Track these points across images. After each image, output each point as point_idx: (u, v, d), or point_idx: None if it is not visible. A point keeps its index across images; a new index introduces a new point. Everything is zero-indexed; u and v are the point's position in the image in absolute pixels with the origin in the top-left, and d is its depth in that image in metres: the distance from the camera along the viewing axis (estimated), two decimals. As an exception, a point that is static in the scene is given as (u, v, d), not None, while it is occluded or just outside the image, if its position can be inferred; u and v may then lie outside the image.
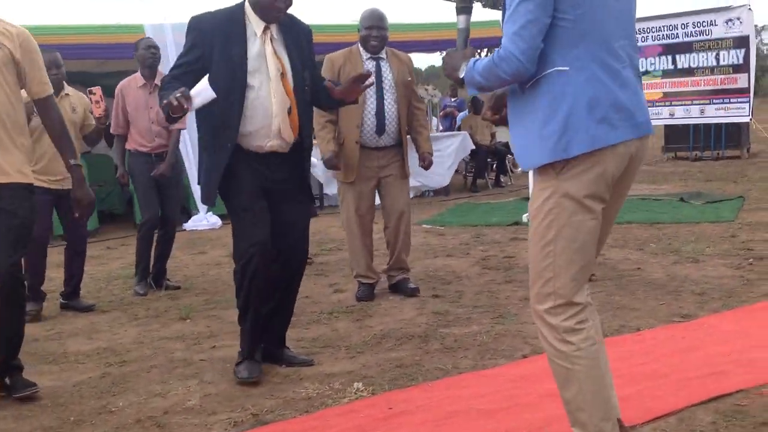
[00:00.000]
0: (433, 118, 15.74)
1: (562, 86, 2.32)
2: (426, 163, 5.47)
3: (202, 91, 3.35)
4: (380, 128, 5.17)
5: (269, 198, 3.73)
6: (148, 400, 3.51)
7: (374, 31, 5.20)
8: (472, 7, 2.64)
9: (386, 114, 5.17)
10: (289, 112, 3.66)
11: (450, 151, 12.22)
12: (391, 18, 5.51)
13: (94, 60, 9.66)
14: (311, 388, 3.54)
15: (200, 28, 3.63)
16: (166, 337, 4.58)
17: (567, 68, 2.32)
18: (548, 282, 2.39)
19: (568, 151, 2.30)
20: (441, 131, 14.54)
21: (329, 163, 5.17)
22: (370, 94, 5.14)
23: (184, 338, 4.53)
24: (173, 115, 3.37)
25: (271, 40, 3.66)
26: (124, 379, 3.82)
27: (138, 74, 5.90)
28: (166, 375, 3.87)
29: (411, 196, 11.62)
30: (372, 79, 4.11)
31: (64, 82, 5.32)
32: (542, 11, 2.28)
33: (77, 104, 5.35)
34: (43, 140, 5.10)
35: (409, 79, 5.34)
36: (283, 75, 3.65)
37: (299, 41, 3.79)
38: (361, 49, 5.26)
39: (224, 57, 3.56)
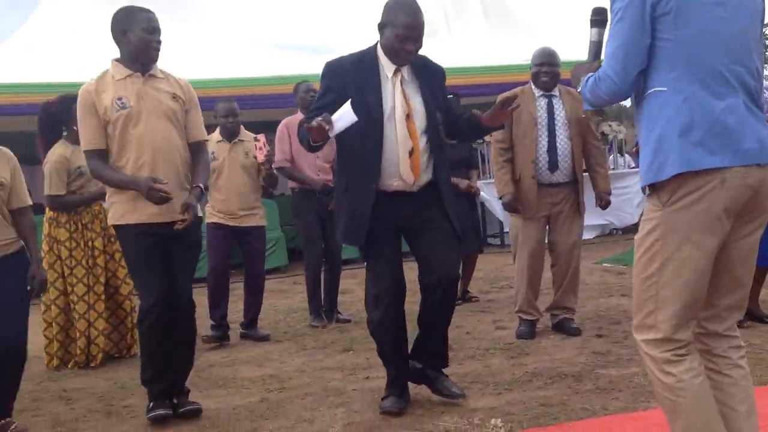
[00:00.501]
0: (623, 155, 15.27)
1: (659, 108, 2.28)
2: (603, 203, 5.38)
3: (344, 115, 3.34)
4: (553, 165, 5.15)
5: (406, 235, 3.79)
6: (295, 425, 3.68)
7: (545, 68, 5.22)
8: (606, 20, 2.62)
9: (558, 150, 5.15)
10: (411, 153, 3.63)
11: (638, 188, 11.80)
12: (564, 56, 5.51)
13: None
14: (450, 422, 3.57)
15: (334, 73, 3.69)
16: (326, 367, 4.77)
17: (665, 89, 2.27)
18: (650, 314, 2.34)
19: (660, 174, 2.24)
20: (633, 168, 14.08)
21: (508, 207, 5.23)
22: (543, 131, 5.15)
23: (343, 369, 4.70)
24: (314, 142, 3.45)
25: (401, 82, 3.68)
26: (279, 405, 4.03)
27: (299, 113, 6.21)
28: (318, 402, 4.03)
29: (597, 234, 11.46)
30: (518, 101, 4.06)
31: (241, 127, 5.76)
32: (638, 32, 2.26)
33: (250, 149, 5.74)
34: (219, 180, 5.54)
35: (583, 116, 5.28)
36: (408, 117, 3.65)
37: (432, 82, 3.80)
38: (533, 87, 5.29)
39: (360, 101, 3.55)
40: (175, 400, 3.92)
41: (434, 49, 11.15)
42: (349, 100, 3.40)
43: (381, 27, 3.65)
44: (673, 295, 2.28)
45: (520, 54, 11.68)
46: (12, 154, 3.89)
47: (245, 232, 5.67)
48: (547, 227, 5.31)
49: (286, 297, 7.84)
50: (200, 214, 3.93)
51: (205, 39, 11.07)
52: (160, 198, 3.64)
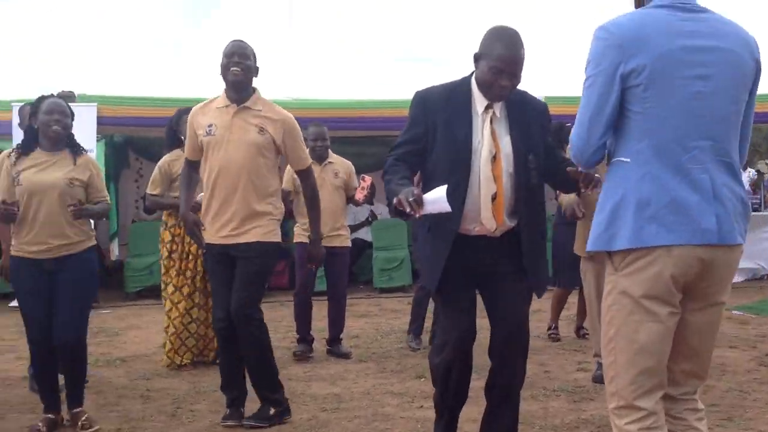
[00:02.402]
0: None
1: (619, 178, 2.26)
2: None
3: (438, 201, 2.99)
4: None
5: (483, 283, 3.46)
6: (326, 446, 3.86)
7: None
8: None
9: None
10: (494, 198, 3.31)
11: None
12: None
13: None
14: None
15: (425, 105, 3.40)
16: (391, 392, 4.90)
17: (628, 160, 2.25)
18: (612, 381, 2.33)
19: (611, 244, 2.23)
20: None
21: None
22: None
23: (405, 395, 4.80)
24: (399, 214, 3.17)
25: (491, 120, 3.34)
26: (323, 425, 4.20)
27: None
28: (360, 426, 4.17)
29: (745, 278, 10.78)
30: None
31: (329, 151, 6.05)
32: (605, 101, 2.25)
33: (340, 170, 6.03)
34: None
35: None
36: (495, 158, 3.31)
37: (527, 120, 3.41)
38: None
39: (448, 136, 3.33)
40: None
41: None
42: (445, 187, 3.01)
43: (476, 59, 3.34)
44: (629, 361, 2.28)
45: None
46: (95, 161, 4.52)
47: (331, 253, 5.90)
48: None
49: (396, 317, 8.01)
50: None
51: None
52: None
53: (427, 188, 3.19)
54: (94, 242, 4.40)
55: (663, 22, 2.23)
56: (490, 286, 3.45)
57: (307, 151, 6.05)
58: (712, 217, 2.21)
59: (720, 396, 4.72)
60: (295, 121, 4.37)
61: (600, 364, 5.13)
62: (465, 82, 3.42)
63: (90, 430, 4.09)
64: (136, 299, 9.40)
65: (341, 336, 6.23)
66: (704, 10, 2.30)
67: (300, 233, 6.05)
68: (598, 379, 5.08)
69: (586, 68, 2.33)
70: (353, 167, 6.18)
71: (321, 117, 7.86)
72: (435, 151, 3.36)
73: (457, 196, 3.24)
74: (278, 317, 7.48)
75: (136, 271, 9.55)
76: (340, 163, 6.13)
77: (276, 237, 4.25)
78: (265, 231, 4.19)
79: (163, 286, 5.71)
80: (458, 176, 3.29)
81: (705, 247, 2.22)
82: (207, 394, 4.85)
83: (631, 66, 2.21)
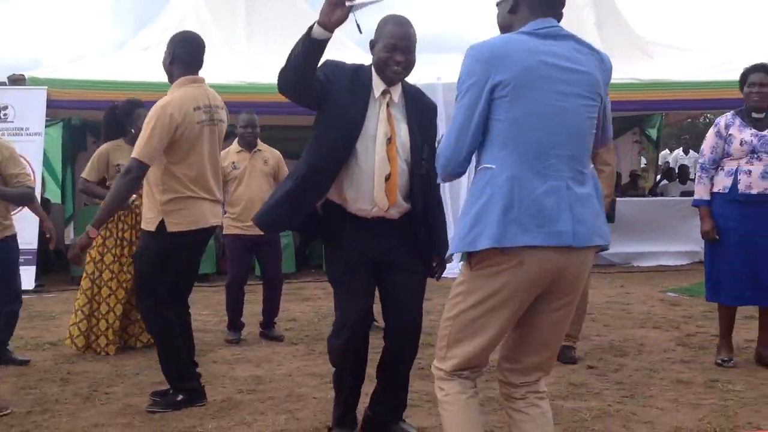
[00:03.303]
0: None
1: (484, 183, 2.39)
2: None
3: None
4: None
5: (379, 269, 3.55)
6: (232, 427, 3.92)
7: None
8: None
9: None
10: (387, 179, 3.40)
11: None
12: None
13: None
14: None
15: (332, 72, 3.43)
16: (313, 374, 4.97)
17: (493, 167, 2.38)
18: (442, 349, 2.53)
19: (474, 245, 2.35)
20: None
21: None
22: None
23: (324, 377, 4.84)
24: (324, 24, 3.04)
25: (388, 104, 3.45)
26: (236, 405, 4.27)
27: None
28: (271, 407, 4.24)
29: (688, 261, 10.96)
30: None
31: (258, 139, 6.10)
32: (474, 113, 2.38)
33: (269, 157, 6.09)
34: (240, 188, 5.89)
35: None
36: (390, 141, 3.42)
37: (422, 114, 3.58)
38: None
39: (343, 110, 3.40)
40: None
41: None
42: None
43: (372, 45, 3.47)
44: (464, 340, 2.46)
45: (633, 71, 11.42)
46: (7, 144, 4.60)
47: (263, 242, 5.96)
48: None
49: (317, 301, 8.10)
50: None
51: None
52: None
53: (310, 154, 3.43)
54: (11, 232, 4.40)
55: (526, 43, 2.40)
56: (386, 278, 3.56)
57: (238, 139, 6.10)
58: (569, 221, 2.34)
59: (629, 374, 4.85)
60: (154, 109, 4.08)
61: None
62: (367, 67, 3.52)
63: (1, 413, 4.13)
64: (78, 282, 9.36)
65: (275, 321, 6.31)
66: (565, 37, 2.45)
67: (230, 225, 6.08)
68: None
69: (458, 85, 2.48)
70: (281, 155, 6.24)
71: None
72: (329, 112, 3.43)
73: (334, 168, 3.39)
74: (220, 301, 7.52)
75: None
76: (268, 151, 6.18)
77: (149, 225, 4.16)
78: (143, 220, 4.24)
79: (90, 271, 5.71)
80: (340, 152, 3.40)
81: (561, 249, 2.35)
82: (127, 377, 4.91)
83: (498, 79, 2.36)
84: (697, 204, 5.17)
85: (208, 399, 4.36)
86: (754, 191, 4.90)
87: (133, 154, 3.94)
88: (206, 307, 7.60)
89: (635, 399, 4.30)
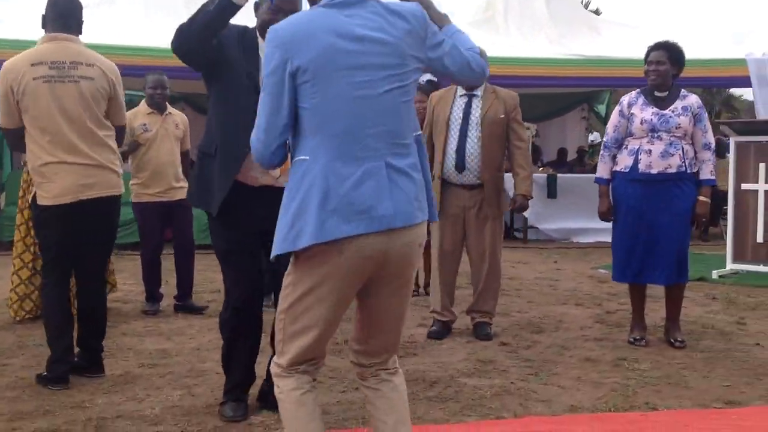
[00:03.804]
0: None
1: (300, 176, 2.29)
2: (516, 206, 5.27)
3: None
4: (460, 165, 5.08)
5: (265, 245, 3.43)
6: (124, 402, 3.81)
7: None
8: None
9: (467, 151, 5.07)
10: None
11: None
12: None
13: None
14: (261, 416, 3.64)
15: (225, 33, 3.36)
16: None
17: (307, 158, 2.29)
18: (279, 343, 2.47)
19: (297, 243, 2.27)
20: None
21: None
22: (454, 131, 5.09)
23: (232, 351, 4.79)
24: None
25: None
26: (133, 380, 4.17)
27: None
28: (169, 382, 4.14)
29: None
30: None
31: (167, 102, 5.93)
32: (278, 103, 2.29)
33: (179, 121, 5.95)
34: (151, 152, 5.70)
35: (502, 116, 5.15)
36: None
37: None
38: (458, 86, 5.21)
39: (240, 70, 3.38)
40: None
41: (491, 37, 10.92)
42: None
43: (257, 8, 3.47)
44: (297, 333, 2.40)
45: (581, 48, 11.40)
46: None
47: (177, 205, 5.80)
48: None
49: (269, 273, 7.98)
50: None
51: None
52: None
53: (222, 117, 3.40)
54: None
55: (324, 19, 2.28)
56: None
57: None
58: (389, 204, 2.26)
59: (540, 352, 4.83)
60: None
61: (436, 321, 5.26)
62: (252, 30, 3.48)
63: None
64: (9, 248, 9.15)
65: (192, 291, 6.17)
66: (363, 2, 2.33)
67: (140, 193, 5.89)
68: (432, 335, 5.18)
69: (263, 73, 2.37)
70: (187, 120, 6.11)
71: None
72: (233, 70, 3.38)
73: (249, 126, 3.09)
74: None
75: (10, 220, 9.28)
76: (178, 115, 6.03)
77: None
78: None
79: (24, 235, 5.49)
80: (251, 112, 3.14)
81: (385, 233, 2.28)
82: (29, 349, 4.77)
83: (296, 64, 2.25)
84: (597, 182, 5.14)
85: (108, 373, 4.25)
86: (654, 170, 4.87)
87: None
88: (132, 276, 7.42)
89: (539, 377, 4.28)
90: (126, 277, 7.46)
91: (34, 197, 3.96)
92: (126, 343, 5.01)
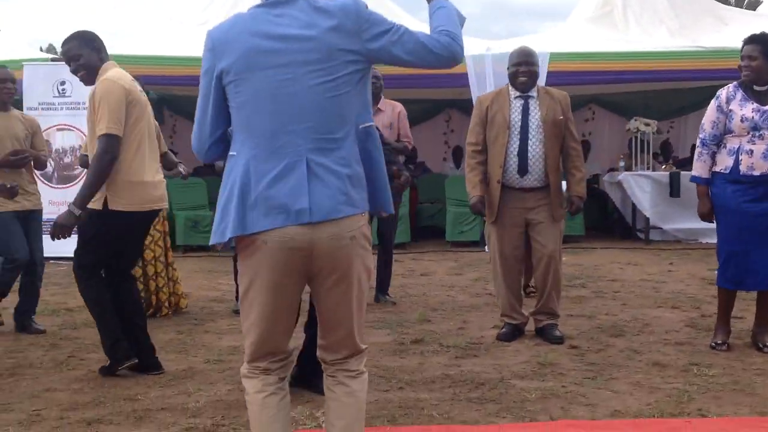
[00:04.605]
0: None
1: (229, 171, 2.39)
2: (573, 208, 5.09)
3: None
4: (522, 168, 4.95)
5: None
6: (171, 396, 3.97)
7: (522, 68, 5.02)
8: None
9: (529, 154, 4.94)
10: None
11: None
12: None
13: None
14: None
15: None
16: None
17: (234, 154, 2.38)
18: (244, 338, 2.51)
19: (223, 236, 2.35)
20: None
21: (474, 209, 5.15)
22: (515, 134, 4.98)
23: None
24: None
25: None
26: (192, 374, 4.35)
27: None
28: (226, 377, 4.29)
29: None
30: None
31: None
32: (208, 102, 2.42)
33: (26, 120, 5.63)
34: None
35: (561, 117, 4.99)
36: None
37: None
38: (510, 88, 5.10)
39: None
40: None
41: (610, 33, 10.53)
42: None
43: None
44: (249, 328, 2.46)
45: (702, 40, 10.79)
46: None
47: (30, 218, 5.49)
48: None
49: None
50: None
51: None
52: None
53: None
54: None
55: (250, 22, 2.36)
56: None
57: None
58: (305, 198, 2.28)
59: (609, 355, 4.64)
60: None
61: (507, 324, 5.16)
62: None
63: None
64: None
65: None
66: (296, 1, 2.35)
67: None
68: (502, 337, 5.08)
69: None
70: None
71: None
72: None
73: None
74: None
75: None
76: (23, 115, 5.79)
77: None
78: None
79: None
80: None
81: (303, 227, 2.29)
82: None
83: (221, 67, 2.35)
84: (694, 181, 4.85)
85: (172, 368, 4.45)
86: (756, 172, 4.55)
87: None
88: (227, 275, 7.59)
89: (596, 381, 4.10)
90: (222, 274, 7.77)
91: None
92: (203, 340, 5.21)
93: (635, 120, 11.12)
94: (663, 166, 11.09)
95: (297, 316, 2.57)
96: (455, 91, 11.28)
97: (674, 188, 10.45)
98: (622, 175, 10.71)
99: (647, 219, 10.65)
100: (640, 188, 10.59)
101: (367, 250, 2.45)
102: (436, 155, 13.51)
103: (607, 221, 12.01)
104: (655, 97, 12.67)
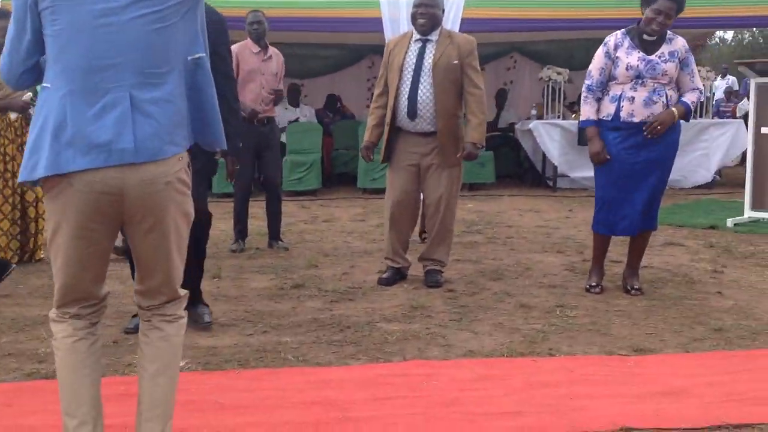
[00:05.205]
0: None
1: (42, 104, 2.23)
2: (464, 154, 5.02)
3: None
4: (411, 112, 4.91)
5: None
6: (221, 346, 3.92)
7: (421, 9, 4.93)
8: None
9: (419, 98, 4.90)
10: None
11: (719, 143, 10.84)
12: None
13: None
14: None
15: None
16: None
17: (49, 85, 2.22)
18: (54, 281, 2.42)
19: (33, 174, 2.21)
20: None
21: (361, 152, 5.17)
22: (406, 78, 4.93)
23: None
24: None
25: None
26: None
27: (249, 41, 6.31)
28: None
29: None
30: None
31: None
32: (21, 28, 2.24)
33: None
34: None
35: (456, 62, 4.92)
36: None
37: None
38: (414, 32, 5.04)
39: None
40: None
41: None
42: None
43: None
44: (57, 274, 2.36)
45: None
46: None
47: None
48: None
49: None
50: None
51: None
52: None
53: None
54: None
55: None
56: None
57: None
58: (130, 136, 2.17)
59: (481, 299, 4.70)
60: None
61: (389, 267, 5.18)
62: None
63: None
64: None
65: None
66: None
67: None
68: (382, 282, 5.11)
69: None
70: None
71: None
72: None
73: None
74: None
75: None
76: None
77: None
78: None
79: None
80: None
81: (119, 168, 2.19)
82: (16, 297, 4.80)
83: None
84: (584, 125, 4.86)
85: (36, 313, 4.34)
86: (636, 119, 4.60)
87: None
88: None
89: (460, 322, 4.16)
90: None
91: None
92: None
93: (548, 68, 11.20)
94: (573, 116, 11.21)
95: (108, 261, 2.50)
96: (378, 36, 11.13)
97: (582, 137, 10.58)
98: (533, 124, 10.82)
99: (555, 167, 10.80)
100: (550, 137, 10.72)
101: (186, 195, 2.35)
102: (359, 102, 13.32)
103: (520, 169, 12.16)
104: (578, 47, 12.69)
